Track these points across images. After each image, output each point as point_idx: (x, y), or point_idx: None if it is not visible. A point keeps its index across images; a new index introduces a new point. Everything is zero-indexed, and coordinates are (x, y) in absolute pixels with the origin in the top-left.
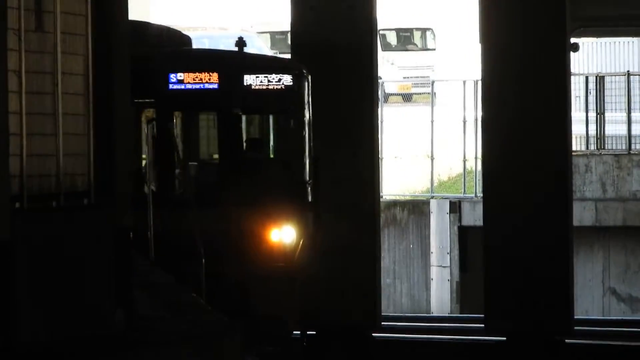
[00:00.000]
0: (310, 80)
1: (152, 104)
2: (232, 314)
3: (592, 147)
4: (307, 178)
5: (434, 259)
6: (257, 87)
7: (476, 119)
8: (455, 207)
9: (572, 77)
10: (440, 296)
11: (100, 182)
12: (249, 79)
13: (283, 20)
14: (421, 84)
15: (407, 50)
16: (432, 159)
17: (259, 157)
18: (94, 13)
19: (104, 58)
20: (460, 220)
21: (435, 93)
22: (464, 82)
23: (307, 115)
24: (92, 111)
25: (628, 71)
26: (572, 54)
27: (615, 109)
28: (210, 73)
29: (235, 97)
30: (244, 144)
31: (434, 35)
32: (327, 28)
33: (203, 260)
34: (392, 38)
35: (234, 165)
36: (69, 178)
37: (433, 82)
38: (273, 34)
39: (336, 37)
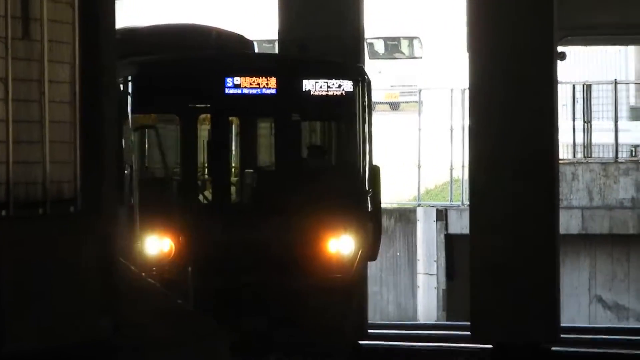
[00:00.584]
0: (370, 86)
1: (207, 109)
2: (288, 324)
3: (579, 155)
4: (367, 187)
5: (420, 266)
6: (316, 93)
7: (463, 127)
8: (442, 215)
9: (559, 86)
10: (426, 304)
11: (87, 190)
12: (308, 84)
13: (270, 28)
14: (408, 92)
15: (394, 58)
16: (419, 167)
17: (317, 165)
18: (81, 21)
19: (91, 66)
20: (446, 228)
21: (422, 101)
22: (452, 91)
23: (368, 122)
24: (79, 119)
25: (615, 80)
26: (559, 62)
27: (603, 118)
28: (268, 78)
29: (293, 103)
30: (302, 151)
31: (421, 44)
32: (314, 35)
33: (189, 268)
34: (379, 46)
35: (291, 173)
36: (56, 185)
37: (420, 91)
38: (260, 42)
39: (324, 45)
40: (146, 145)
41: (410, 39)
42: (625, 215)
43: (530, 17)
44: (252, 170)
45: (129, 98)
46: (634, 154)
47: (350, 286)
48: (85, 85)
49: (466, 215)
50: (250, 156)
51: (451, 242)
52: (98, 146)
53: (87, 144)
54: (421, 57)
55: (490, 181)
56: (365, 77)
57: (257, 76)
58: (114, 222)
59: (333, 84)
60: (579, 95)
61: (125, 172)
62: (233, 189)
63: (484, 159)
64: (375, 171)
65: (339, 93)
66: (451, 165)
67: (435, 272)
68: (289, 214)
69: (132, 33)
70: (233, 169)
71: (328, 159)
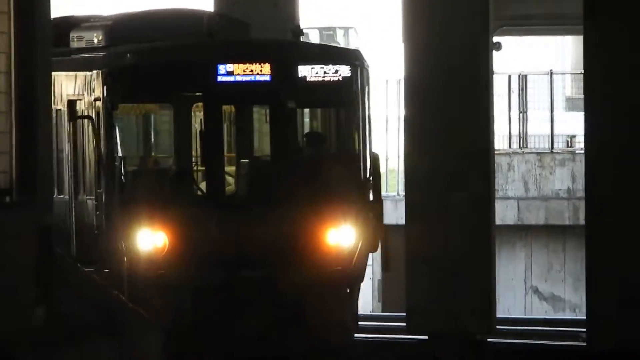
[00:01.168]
0: (369, 71)
1: (199, 97)
2: (286, 321)
3: (515, 145)
4: (367, 176)
5: None
6: (312, 79)
7: (399, 118)
8: None
9: (495, 76)
10: (362, 295)
11: (23, 181)
12: (304, 70)
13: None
14: None
15: None
16: None
17: (314, 154)
18: (16, 10)
19: (27, 56)
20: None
21: None
22: (387, 81)
23: (367, 109)
24: (15, 109)
25: (551, 70)
26: (495, 52)
27: (538, 108)
28: (262, 64)
29: (288, 90)
30: (299, 140)
31: (357, 34)
32: (251, 25)
33: (125, 258)
34: (314, 37)
35: (287, 162)
36: None
37: None
38: None
39: (260, 34)
40: (137, 136)
41: (346, 29)
42: (561, 205)
43: (465, 7)
44: (247, 161)
45: (119, 87)
46: (569, 144)
47: (350, 279)
48: (21, 75)
49: (402, 206)
50: (244, 146)
51: (387, 233)
52: (34, 137)
53: (22, 134)
54: (357, 48)
55: (426, 172)
56: (363, 62)
57: (251, 63)
58: (49, 213)
59: (330, 70)
60: (514, 85)
61: (116, 163)
62: (228, 180)
63: (420, 150)
64: (375, 159)
65: (336, 79)
66: (386, 156)
67: (370, 263)
68: (286, 205)
69: (121, 20)
70: (227, 160)
71: (326, 148)
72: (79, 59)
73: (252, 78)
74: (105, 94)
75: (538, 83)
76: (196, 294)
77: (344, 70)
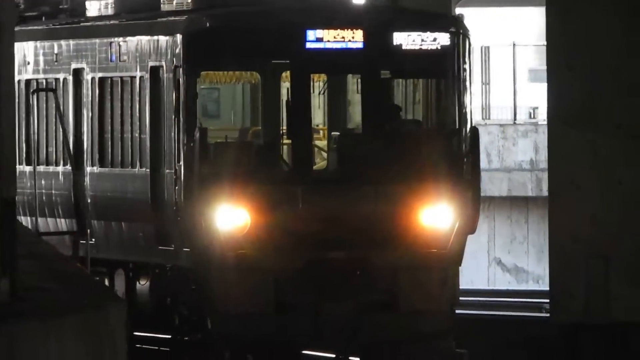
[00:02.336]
0: (469, 39)
1: (286, 65)
2: (377, 307)
3: (478, 117)
4: (464, 151)
5: None
6: (408, 48)
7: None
8: None
9: None
10: None
11: None
12: (400, 38)
13: None
14: None
15: None
16: None
17: (409, 128)
18: None
19: None
20: None
21: None
22: None
23: (467, 80)
24: None
25: (514, 42)
26: None
27: (501, 80)
28: (354, 30)
29: (382, 59)
30: (393, 113)
31: None
32: None
33: (88, 230)
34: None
35: (380, 137)
36: None
37: None
38: None
39: None
40: (219, 106)
41: None
42: (524, 177)
43: None
44: (336, 134)
45: (201, 53)
46: (532, 116)
47: (447, 263)
48: None
49: None
50: (334, 118)
51: None
52: None
53: None
54: (460, 14)
55: None
56: (464, 29)
57: (342, 28)
58: (12, 186)
59: (427, 37)
60: (477, 57)
61: (196, 135)
62: (315, 154)
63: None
64: (474, 134)
65: (434, 47)
66: None
67: None
68: (377, 183)
69: None
70: (315, 133)
71: (422, 121)
72: (164, 23)
73: (343, 45)
74: (186, 61)
75: (501, 55)
76: (279, 277)
77: (443, 38)
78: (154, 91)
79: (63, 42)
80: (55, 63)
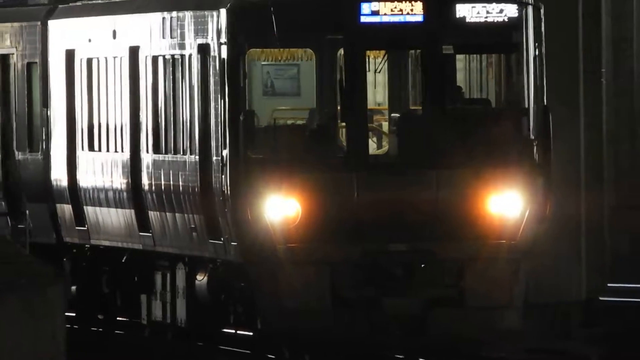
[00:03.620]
0: (540, 11)
1: (339, 41)
2: (442, 302)
3: None
4: (535, 133)
5: None
6: (472, 21)
7: None
8: None
9: None
10: None
11: None
12: (463, 10)
13: None
14: None
15: None
16: None
17: (474, 108)
18: None
19: None
20: None
21: None
22: None
23: (538, 55)
24: None
25: None
26: None
27: None
28: (413, 2)
29: (444, 33)
30: (456, 91)
31: None
32: None
33: (27, 211)
34: None
35: (442, 118)
36: None
37: None
38: None
39: None
40: (265, 86)
41: None
42: None
43: None
44: (395, 115)
45: (245, 30)
46: None
47: (517, 254)
48: None
49: None
50: (392, 98)
51: None
52: None
53: None
54: None
55: None
56: (533, 1)
57: (400, 0)
58: None
59: (493, 9)
60: None
61: (241, 118)
62: (372, 138)
63: None
64: (546, 114)
65: (500, 20)
66: None
67: None
68: (441, 168)
69: None
70: (372, 114)
71: (488, 101)
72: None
73: (401, 19)
74: (231, 37)
75: None
76: (334, 272)
77: (511, 10)
78: (203, 70)
79: (120, 19)
80: (114, 40)
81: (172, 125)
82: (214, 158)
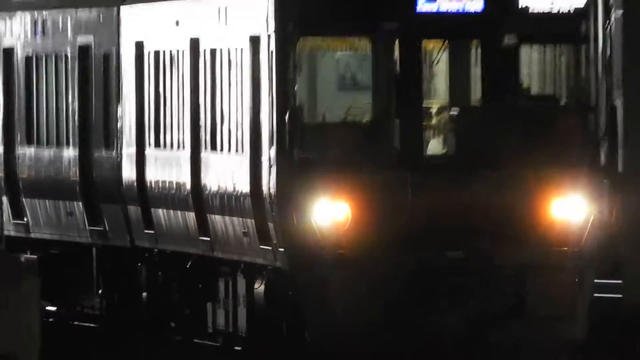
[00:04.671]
0: (610, 2)
1: (394, 31)
2: (501, 313)
3: None
4: (601, 133)
5: None
6: (536, 11)
7: None
8: None
9: None
10: None
11: None
12: (526, 0)
13: None
14: None
15: None
16: None
17: (537, 104)
18: None
19: None
20: None
21: None
22: None
23: (606, 48)
24: None
25: None
26: None
27: None
28: None
29: (506, 24)
30: (519, 86)
31: None
32: None
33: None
34: None
35: (503, 114)
36: None
37: None
38: None
39: None
40: (314, 80)
41: None
42: None
43: None
44: (453, 112)
45: (294, 18)
46: None
47: (580, 262)
48: None
49: None
50: (450, 92)
51: None
52: None
53: None
54: None
55: None
56: None
57: None
58: None
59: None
60: None
61: (287, 115)
62: (428, 136)
63: None
64: (613, 111)
65: (566, 11)
66: None
67: None
68: (501, 169)
69: None
70: (428, 110)
71: (553, 96)
72: None
73: (460, 8)
74: (279, 25)
75: None
76: (386, 280)
77: (577, 1)
78: (254, 63)
79: (182, 6)
80: (176, 31)
81: (227, 122)
82: (263, 158)
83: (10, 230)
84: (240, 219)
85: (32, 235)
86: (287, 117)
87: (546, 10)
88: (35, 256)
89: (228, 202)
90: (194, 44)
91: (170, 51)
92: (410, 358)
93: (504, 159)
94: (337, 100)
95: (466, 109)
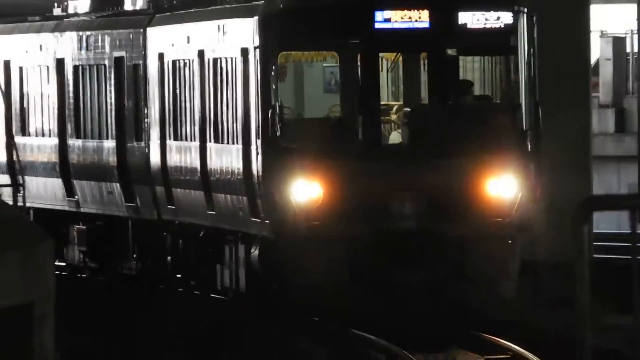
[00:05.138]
0: (534, 19)
1: (356, 45)
2: (445, 275)
3: None
4: (527, 125)
5: None
6: (473, 27)
7: None
8: None
9: None
10: None
11: None
12: (464, 17)
13: None
14: None
15: None
16: None
17: (474, 103)
18: None
19: None
20: None
21: None
22: None
23: (530, 57)
24: None
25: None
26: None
27: None
28: (421, 10)
29: (448, 38)
30: (458, 89)
31: None
32: None
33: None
34: None
35: (446, 111)
36: None
37: None
38: None
39: None
40: (293, 84)
41: None
42: None
43: None
44: (405, 110)
45: (274, 36)
46: None
47: (512, 230)
48: None
49: None
50: (402, 94)
51: None
52: None
53: None
54: None
55: None
56: (525, 9)
57: (409, 9)
58: None
59: (491, 17)
60: None
61: (269, 112)
62: (385, 129)
63: None
64: (536, 108)
65: (497, 26)
66: None
67: None
68: (444, 156)
69: None
70: (385, 109)
71: (486, 97)
72: (248, 7)
73: (410, 25)
74: (263, 42)
75: None
76: (351, 247)
77: (506, 17)
78: (244, 70)
79: (191, 26)
80: (188, 45)
81: (226, 118)
82: (252, 147)
83: (65, 205)
84: (237, 196)
85: (82, 209)
86: (269, 114)
87: (481, 26)
88: (84, 227)
89: (228, 183)
90: (201, 54)
91: (184, 60)
92: (372, 309)
93: (447, 149)
94: (311, 101)
95: (416, 108)
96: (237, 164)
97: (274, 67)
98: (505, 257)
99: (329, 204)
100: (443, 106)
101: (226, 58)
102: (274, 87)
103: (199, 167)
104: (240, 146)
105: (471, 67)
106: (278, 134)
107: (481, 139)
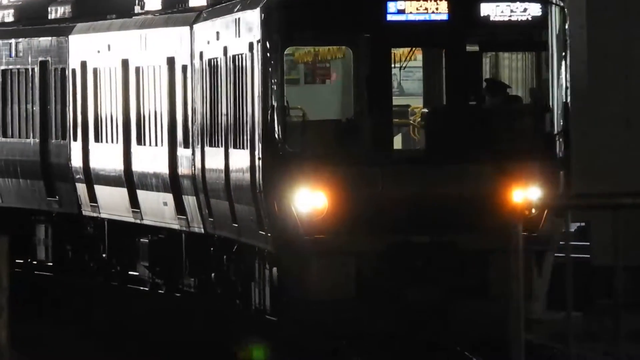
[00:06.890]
0: (565, 10)
1: (365, 39)
2: (467, 292)
3: None
4: (557, 129)
5: None
6: (496, 19)
7: None
8: None
9: None
10: None
11: None
12: (487, 9)
13: None
14: None
15: None
16: None
17: (498, 104)
18: None
19: None
20: None
21: None
22: None
23: (561, 53)
24: None
25: None
26: None
27: None
28: (438, 1)
29: (469, 32)
30: (480, 88)
31: None
32: None
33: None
34: None
35: (466, 113)
36: None
37: None
38: None
39: None
40: (297, 83)
41: None
42: None
43: None
44: (420, 111)
45: (278, 29)
46: None
47: (538, 247)
48: None
49: None
50: (425, 94)
51: None
52: None
53: None
54: None
55: None
56: (556, 1)
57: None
58: None
59: (517, 8)
60: None
61: (269, 113)
62: (397, 133)
63: None
64: (567, 110)
65: (524, 19)
66: None
67: None
68: (463, 162)
69: None
70: (397, 110)
71: (512, 97)
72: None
73: (426, 17)
74: (265, 36)
75: None
76: (360, 261)
77: (534, 9)
78: (251, 68)
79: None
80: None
81: (233, 121)
82: (255, 152)
83: (130, 217)
84: (248, 207)
85: (144, 221)
86: (268, 115)
87: (505, 19)
88: (146, 240)
89: (243, 193)
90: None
91: (216, 58)
92: (380, 327)
93: (466, 154)
94: (318, 101)
95: (433, 109)
96: (246, 172)
97: (281, 64)
98: (530, 275)
99: (335, 216)
100: (461, 108)
101: (237, 54)
102: (278, 86)
103: (223, 177)
104: (247, 152)
105: (494, 64)
106: (281, 139)
107: (505, 144)
